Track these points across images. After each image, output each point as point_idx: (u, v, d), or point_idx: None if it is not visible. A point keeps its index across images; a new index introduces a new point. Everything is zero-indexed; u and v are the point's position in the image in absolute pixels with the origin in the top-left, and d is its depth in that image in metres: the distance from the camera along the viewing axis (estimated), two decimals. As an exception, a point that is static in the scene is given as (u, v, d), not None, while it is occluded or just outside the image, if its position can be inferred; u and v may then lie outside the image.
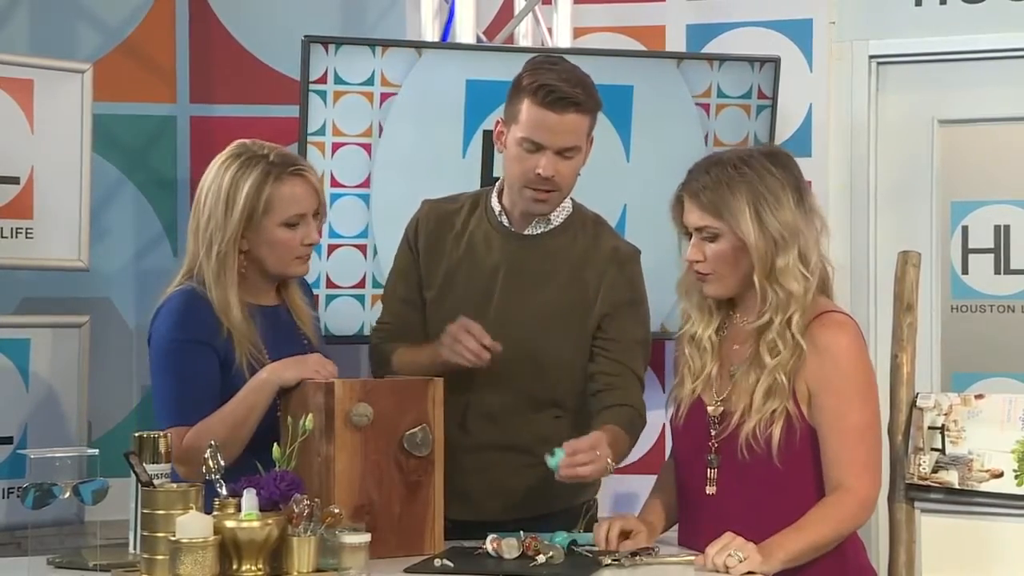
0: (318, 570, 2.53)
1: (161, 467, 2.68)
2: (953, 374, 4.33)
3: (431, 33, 4.30)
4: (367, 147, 4.00)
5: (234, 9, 4.53)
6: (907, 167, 4.41)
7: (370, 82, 3.97)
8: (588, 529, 2.92)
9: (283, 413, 2.85)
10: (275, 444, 2.66)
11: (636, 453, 4.25)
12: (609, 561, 2.70)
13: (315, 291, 3.48)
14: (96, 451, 2.71)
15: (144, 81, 4.47)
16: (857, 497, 2.75)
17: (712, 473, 2.83)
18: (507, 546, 2.71)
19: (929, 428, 3.22)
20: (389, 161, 4.01)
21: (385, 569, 2.63)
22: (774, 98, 4.26)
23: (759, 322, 2.80)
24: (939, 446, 3.21)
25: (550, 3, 4.47)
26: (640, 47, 4.48)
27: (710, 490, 2.83)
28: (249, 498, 2.50)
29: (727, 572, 2.59)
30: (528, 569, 2.65)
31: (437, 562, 2.68)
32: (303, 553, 2.51)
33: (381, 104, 3.98)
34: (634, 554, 2.72)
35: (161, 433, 2.73)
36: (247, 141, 3.03)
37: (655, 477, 3.09)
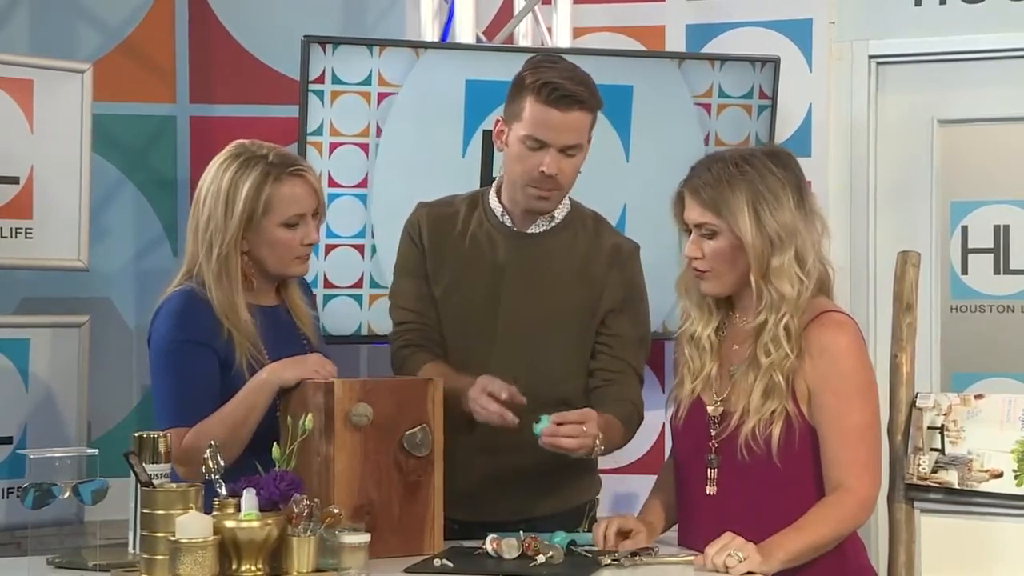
0: (318, 570, 2.53)
1: (161, 467, 2.68)
2: (953, 374, 4.33)
3: (431, 33, 4.30)
4: (364, 147, 4.00)
5: (234, 9, 4.54)
6: (907, 167, 4.41)
7: (367, 82, 3.97)
8: (589, 529, 2.92)
9: (283, 413, 2.84)
10: (275, 444, 2.66)
11: (636, 453, 4.28)
12: (609, 561, 2.70)
13: (313, 291, 3.48)
14: (96, 451, 2.71)
15: (144, 81, 4.47)
16: (857, 497, 2.75)
17: (712, 473, 2.83)
18: (507, 546, 2.71)
19: (929, 428, 3.22)
20: (389, 161, 4.01)
21: (385, 569, 2.63)
22: (774, 98, 4.26)
23: (755, 322, 2.80)
24: (939, 446, 3.21)
25: (550, 3, 4.47)
26: (640, 47, 4.48)
27: (710, 490, 2.83)
28: (249, 498, 2.50)
29: (727, 572, 2.59)
30: (528, 569, 2.65)
31: (437, 562, 2.68)
32: (303, 553, 2.51)
33: (379, 104, 3.98)
34: (634, 554, 2.72)
35: (161, 433, 2.73)
36: (246, 141, 3.03)
37: (655, 477, 3.09)
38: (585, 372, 3.18)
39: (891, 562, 3.26)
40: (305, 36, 3.91)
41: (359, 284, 4.06)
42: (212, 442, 2.64)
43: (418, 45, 4.10)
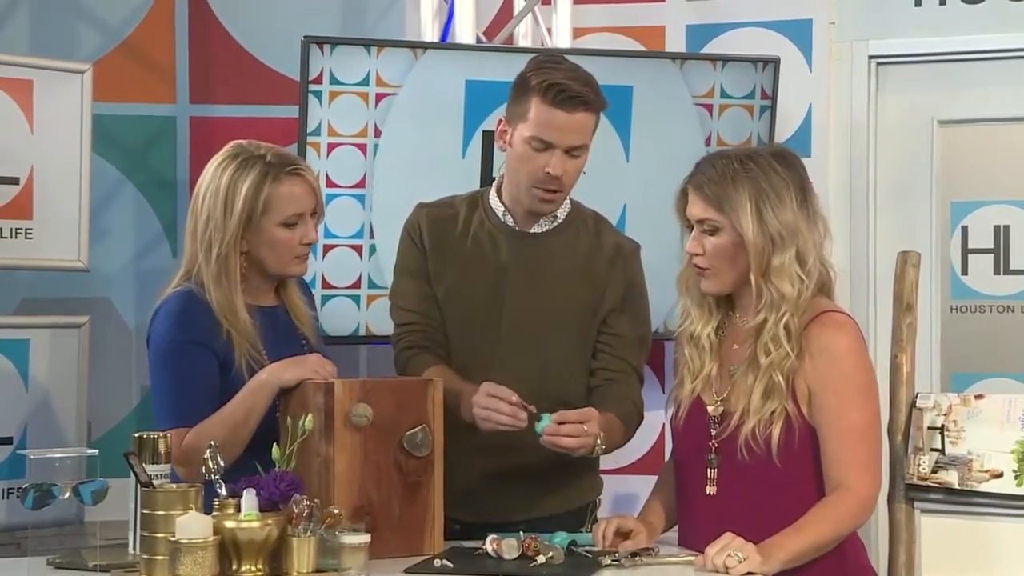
0: (318, 570, 2.53)
1: (161, 468, 2.68)
2: (953, 374, 4.33)
3: (430, 33, 4.30)
4: (362, 147, 4.00)
5: (234, 9, 4.54)
6: (907, 167, 4.41)
7: (365, 82, 3.97)
8: (591, 530, 2.92)
9: (282, 414, 2.84)
10: (275, 445, 2.66)
11: (636, 453, 4.28)
12: (609, 561, 2.70)
13: (311, 291, 3.48)
14: (96, 451, 2.71)
15: (144, 81, 4.48)
16: (857, 497, 2.75)
17: (712, 473, 2.83)
18: (507, 546, 2.71)
19: (929, 428, 3.22)
20: (389, 161, 4.01)
21: (385, 569, 2.63)
22: (773, 98, 4.26)
23: (755, 321, 2.80)
24: (939, 446, 3.21)
25: (550, 3, 4.47)
26: (639, 47, 4.48)
27: (710, 490, 2.83)
28: (249, 498, 2.50)
29: (727, 572, 2.59)
30: (528, 569, 2.65)
31: (437, 562, 2.68)
32: (303, 553, 2.51)
33: (376, 104, 3.98)
34: (634, 554, 2.72)
35: (161, 434, 2.72)
36: (243, 142, 3.03)
37: (655, 477, 3.09)
38: (587, 371, 3.18)
39: (891, 562, 3.26)
40: (305, 36, 3.90)
41: (357, 284, 4.06)
42: (212, 443, 2.64)
43: (416, 45, 4.10)
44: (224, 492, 2.55)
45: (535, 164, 3.05)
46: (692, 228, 2.86)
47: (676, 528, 2.96)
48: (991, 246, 4.38)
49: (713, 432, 2.83)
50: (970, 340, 4.38)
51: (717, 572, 2.60)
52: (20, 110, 3.90)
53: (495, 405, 2.92)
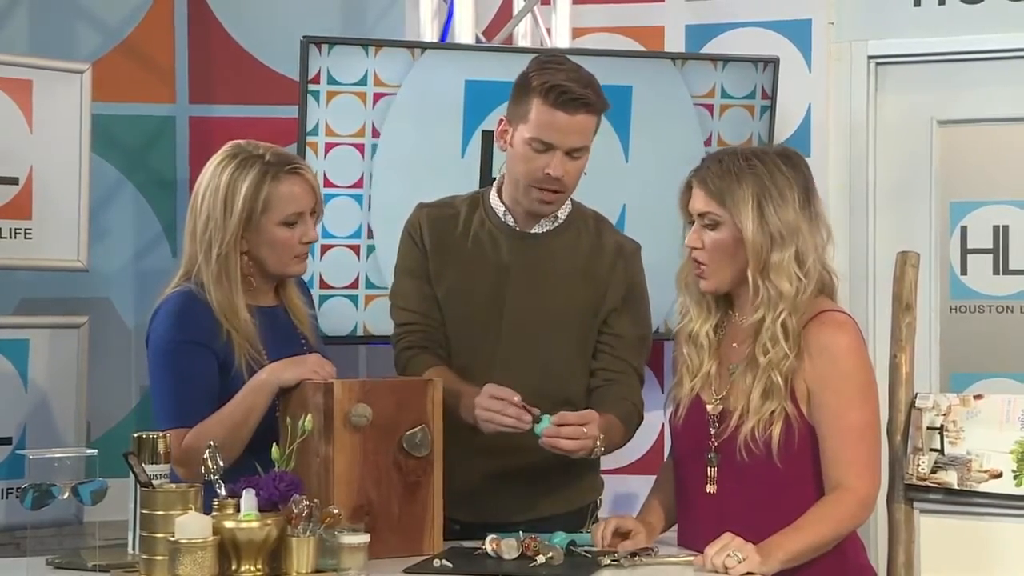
0: (317, 571, 2.53)
1: (160, 468, 2.67)
2: (952, 374, 4.33)
3: (430, 33, 4.30)
4: (360, 147, 4.00)
5: (233, 9, 4.54)
6: (906, 167, 4.41)
7: (363, 82, 3.97)
8: (590, 530, 2.93)
9: (282, 414, 2.84)
10: (274, 445, 2.66)
11: (636, 453, 4.28)
12: (608, 561, 2.70)
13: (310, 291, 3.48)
14: (95, 451, 2.71)
15: (143, 81, 4.48)
16: (857, 496, 2.75)
17: (712, 472, 2.83)
18: (506, 546, 2.71)
19: (928, 428, 3.23)
20: (389, 161, 4.01)
21: (384, 569, 2.63)
22: (773, 98, 4.26)
23: (753, 318, 2.80)
24: (938, 446, 3.21)
25: (549, 3, 4.47)
26: (639, 47, 4.48)
27: (710, 489, 2.83)
28: (248, 499, 2.50)
29: (726, 572, 2.59)
30: (527, 569, 2.65)
31: (436, 562, 2.68)
32: (302, 554, 2.51)
33: (374, 104, 3.98)
34: (633, 554, 2.72)
35: (160, 434, 2.72)
36: (241, 142, 3.02)
37: (655, 477, 3.09)
38: (588, 372, 3.18)
39: (890, 562, 3.27)
40: (304, 36, 3.90)
41: (355, 285, 4.06)
42: (211, 443, 2.64)
43: (414, 45, 4.10)
44: (223, 492, 2.55)
45: (535, 165, 3.05)
46: (694, 223, 2.87)
47: (675, 528, 2.96)
48: (990, 246, 4.38)
49: (712, 431, 2.83)
50: (969, 340, 4.38)
51: (716, 572, 2.60)
52: (20, 110, 3.90)
53: (499, 407, 2.91)
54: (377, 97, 3.98)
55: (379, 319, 3.94)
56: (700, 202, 2.83)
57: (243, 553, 2.48)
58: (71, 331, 4.00)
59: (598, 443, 2.92)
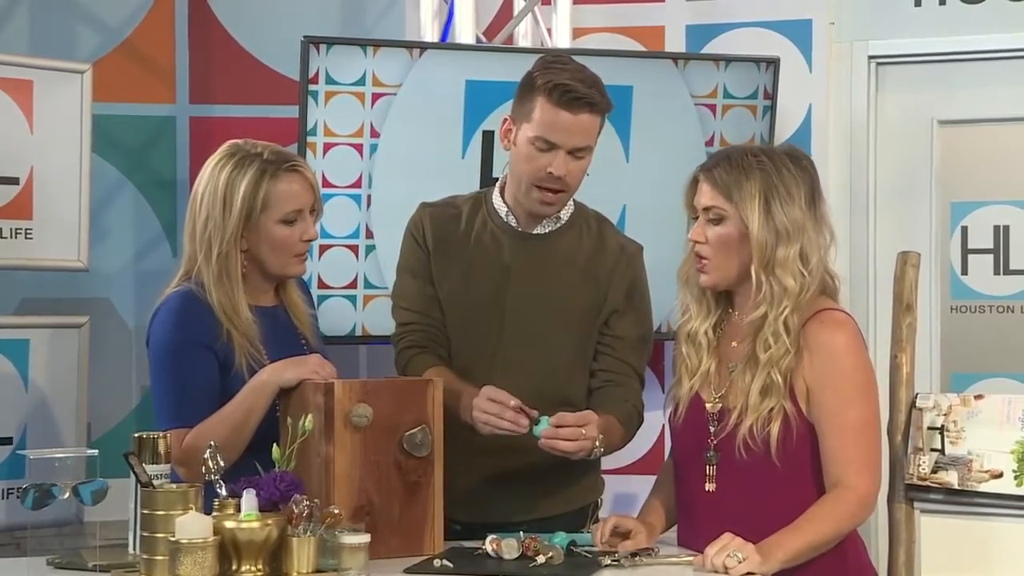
0: (318, 571, 2.53)
1: (160, 468, 2.68)
2: (952, 374, 4.33)
3: (430, 33, 4.30)
4: (359, 147, 4.00)
5: (233, 10, 4.54)
6: (907, 167, 4.41)
7: (361, 82, 3.96)
8: (591, 530, 2.93)
9: (283, 414, 2.84)
10: (275, 445, 2.66)
11: (636, 453, 4.28)
12: (609, 561, 2.70)
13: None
14: (96, 452, 2.71)
15: (144, 81, 4.47)
16: (857, 494, 2.75)
17: (711, 470, 2.83)
18: (507, 547, 2.71)
19: (929, 428, 3.23)
20: (389, 162, 4.01)
21: (385, 569, 2.63)
22: (773, 98, 4.26)
23: (754, 315, 2.80)
24: (939, 446, 3.21)
25: (549, 3, 4.47)
26: (639, 47, 4.48)
27: (709, 487, 2.84)
28: (249, 499, 2.50)
29: (726, 573, 2.59)
30: (528, 570, 2.65)
31: (437, 562, 2.68)
32: (303, 554, 2.51)
33: (373, 104, 3.98)
34: (634, 554, 2.72)
35: (161, 434, 2.72)
36: (239, 141, 3.02)
37: (655, 477, 3.09)
38: (588, 373, 3.18)
39: (891, 562, 3.27)
40: (305, 36, 3.90)
41: (353, 285, 4.05)
42: (212, 443, 2.64)
43: (412, 45, 4.09)
44: (224, 492, 2.56)
45: (538, 164, 3.05)
46: (698, 219, 2.87)
47: (675, 527, 2.96)
48: (991, 246, 4.38)
49: (711, 429, 2.84)
50: (970, 340, 4.38)
51: (716, 572, 2.61)
52: (20, 110, 3.90)
53: (496, 410, 2.91)
54: (376, 97, 3.98)
55: (378, 319, 3.94)
56: (706, 196, 2.84)
57: (244, 553, 2.48)
58: (71, 331, 4.00)
59: (597, 444, 2.92)
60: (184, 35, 4.51)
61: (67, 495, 2.64)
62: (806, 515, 2.73)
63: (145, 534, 2.54)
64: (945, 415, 3.22)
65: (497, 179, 3.31)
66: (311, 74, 3.90)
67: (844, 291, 2.94)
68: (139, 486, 2.61)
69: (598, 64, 3.24)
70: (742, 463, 2.77)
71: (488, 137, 3.98)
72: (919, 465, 3.22)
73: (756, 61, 4.26)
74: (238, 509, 2.51)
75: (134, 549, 2.68)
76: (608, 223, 3.29)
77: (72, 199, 3.97)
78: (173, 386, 2.92)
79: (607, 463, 3.31)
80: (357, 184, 4.01)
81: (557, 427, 2.88)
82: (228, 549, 2.48)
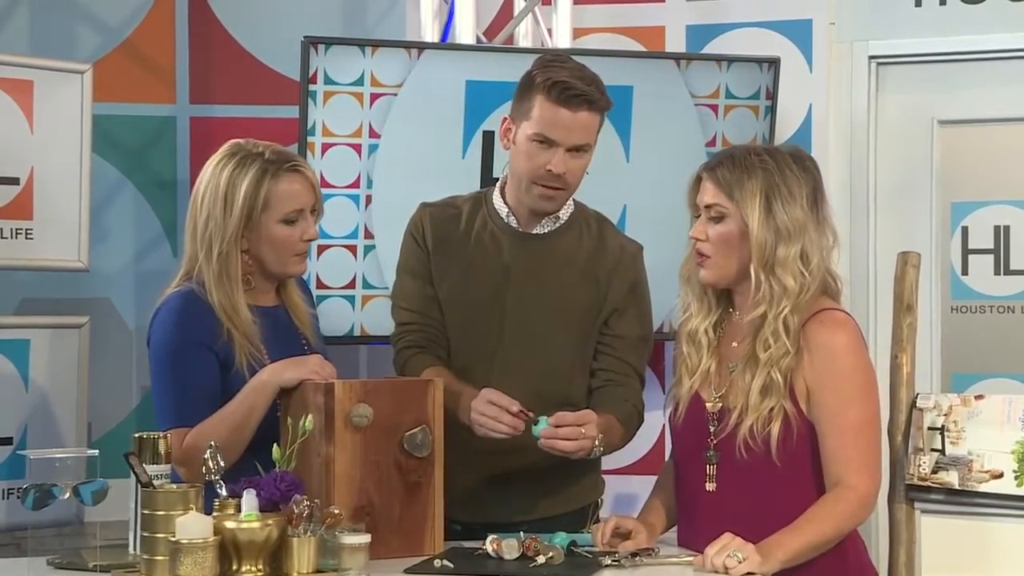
0: (318, 571, 2.53)
1: (161, 468, 2.68)
2: (953, 374, 4.33)
3: (431, 34, 4.30)
4: (357, 147, 3.99)
5: (234, 10, 4.54)
6: (907, 167, 4.41)
7: (359, 82, 3.96)
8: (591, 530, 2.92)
9: (283, 414, 2.84)
10: (275, 445, 2.66)
11: (637, 453, 4.28)
12: (609, 562, 2.70)
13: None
14: (96, 452, 2.71)
15: (144, 82, 4.47)
16: (857, 494, 2.75)
17: (711, 470, 2.83)
18: (507, 547, 2.71)
19: (929, 429, 3.23)
20: (390, 162, 4.01)
21: (385, 570, 2.63)
22: (774, 98, 4.27)
23: (754, 314, 2.80)
24: (939, 447, 3.21)
25: (550, 3, 4.47)
26: (640, 47, 4.48)
27: (709, 486, 2.84)
28: (249, 499, 2.50)
29: (726, 573, 2.59)
30: (528, 570, 2.65)
31: (437, 563, 2.68)
32: (303, 554, 2.51)
33: (372, 104, 3.98)
34: (634, 554, 2.72)
35: (161, 434, 2.73)
36: (240, 141, 3.02)
37: (656, 477, 3.09)
38: (588, 372, 3.18)
39: (891, 563, 3.26)
40: (305, 37, 3.90)
41: (352, 285, 4.05)
42: (212, 443, 2.64)
43: (411, 46, 4.09)
44: (224, 492, 2.56)
45: (537, 161, 3.05)
46: (700, 217, 2.88)
47: (676, 527, 2.96)
48: (991, 246, 4.38)
49: (711, 429, 2.84)
50: (970, 340, 4.38)
51: (717, 572, 2.61)
52: (20, 110, 3.90)
53: (495, 414, 2.91)
54: (374, 97, 3.98)
55: (376, 319, 3.94)
56: (708, 194, 2.84)
57: (244, 553, 2.48)
58: (72, 331, 4.00)
59: (597, 443, 2.93)
60: (184, 35, 4.51)
61: (67, 495, 2.64)
62: (806, 515, 2.73)
63: (145, 534, 2.54)
64: (945, 415, 3.22)
65: (497, 179, 3.31)
66: (310, 74, 3.90)
67: (844, 291, 2.94)
68: (139, 486, 2.61)
69: (598, 64, 3.24)
70: (742, 463, 2.77)
71: (488, 137, 3.98)
72: (919, 465, 3.22)
73: (757, 61, 4.26)
74: (238, 509, 2.51)
75: (134, 549, 2.68)
76: (608, 223, 3.29)
77: (72, 199, 3.97)
78: (174, 386, 2.92)
79: (607, 463, 3.31)
80: (355, 184, 4.01)
81: (556, 427, 2.88)
82: (228, 549, 2.48)
